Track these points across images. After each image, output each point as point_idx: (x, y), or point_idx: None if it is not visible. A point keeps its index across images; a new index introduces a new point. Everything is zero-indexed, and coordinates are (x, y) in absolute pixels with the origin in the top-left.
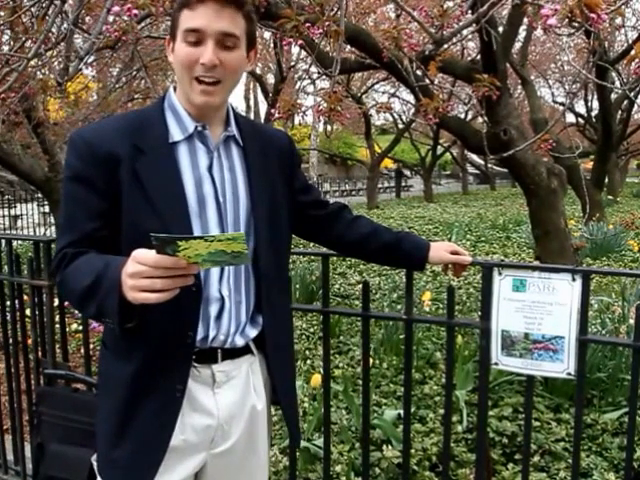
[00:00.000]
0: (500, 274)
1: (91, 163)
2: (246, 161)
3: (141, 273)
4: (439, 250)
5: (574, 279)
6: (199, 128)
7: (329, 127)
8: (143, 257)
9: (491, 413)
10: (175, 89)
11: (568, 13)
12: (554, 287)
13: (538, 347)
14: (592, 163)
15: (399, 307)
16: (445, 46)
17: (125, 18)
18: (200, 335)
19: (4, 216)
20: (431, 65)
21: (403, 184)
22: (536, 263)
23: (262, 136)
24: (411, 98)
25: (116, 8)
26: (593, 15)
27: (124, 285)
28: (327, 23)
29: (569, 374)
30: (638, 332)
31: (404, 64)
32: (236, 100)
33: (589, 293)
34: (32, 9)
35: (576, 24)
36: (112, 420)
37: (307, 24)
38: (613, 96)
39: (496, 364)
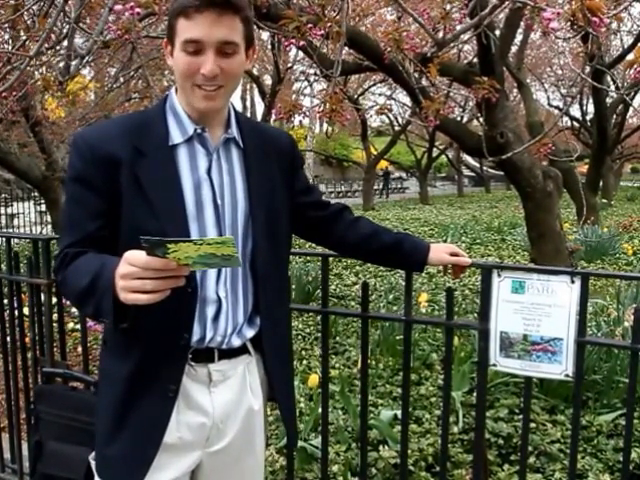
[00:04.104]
0: (499, 276)
1: (92, 164)
2: (246, 163)
3: (132, 274)
4: (439, 251)
5: (573, 281)
6: (198, 130)
7: (329, 128)
8: (134, 258)
9: (487, 414)
10: (176, 90)
11: (570, 16)
12: (553, 289)
13: (536, 349)
14: (587, 167)
15: (395, 308)
16: (444, 49)
17: (126, 17)
18: (197, 336)
19: (0, 215)
20: (431, 67)
21: (399, 186)
22: (531, 265)
23: (263, 137)
24: (407, 100)
25: (119, 7)
26: (595, 19)
27: (116, 286)
28: (329, 24)
29: (567, 376)
30: (636, 334)
31: (405, 66)
32: (233, 101)
33: (588, 295)
34: (34, 7)
35: (577, 28)
36: (108, 417)
37: (309, 25)
38: (608, 100)
39: (494, 365)
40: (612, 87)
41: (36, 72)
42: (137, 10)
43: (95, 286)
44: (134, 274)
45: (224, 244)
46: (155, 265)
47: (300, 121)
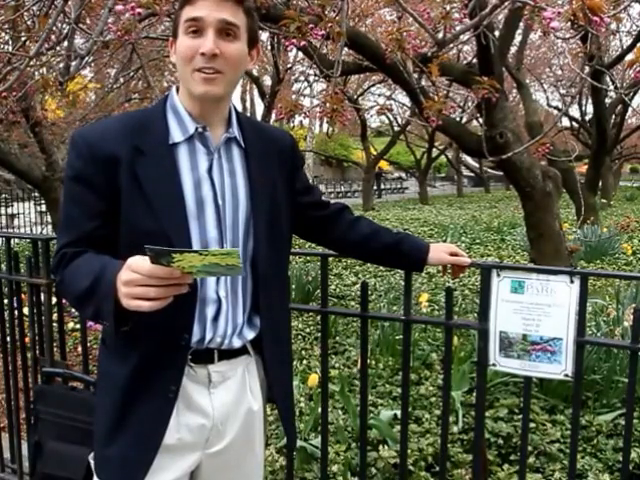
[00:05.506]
0: (499, 276)
1: (91, 163)
2: (247, 163)
3: (135, 281)
4: (438, 251)
5: (572, 281)
6: (199, 129)
7: (329, 128)
8: (137, 266)
9: (486, 414)
10: (177, 89)
11: (571, 16)
12: (552, 289)
13: (536, 349)
14: (586, 167)
15: (395, 308)
16: (444, 49)
17: (126, 17)
18: (197, 337)
19: (0, 215)
20: (432, 67)
21: (398, 186)
22: (531, 265)
23: (264, 136)
24: (407, 100)
25: (120, 7)
26: (596, 18)
27: (118, 291)
28: (330, 24)
29: (567, 375)
30: (635, 334)
31: (407, 66)
32: (233, 101)
33: (587, 295)
34: (34, 8)
35: (577, 27)
36: (107, 418)
37: (310, 25)
38: (607, 100)
39: (494, 365)
40: (611, 87)
41: (36, 72)
42: (138, 10)
43: (96, 289)
44: (137, 281)
45: (229, 255)
46: (159, 274)
47: (300, 121)
